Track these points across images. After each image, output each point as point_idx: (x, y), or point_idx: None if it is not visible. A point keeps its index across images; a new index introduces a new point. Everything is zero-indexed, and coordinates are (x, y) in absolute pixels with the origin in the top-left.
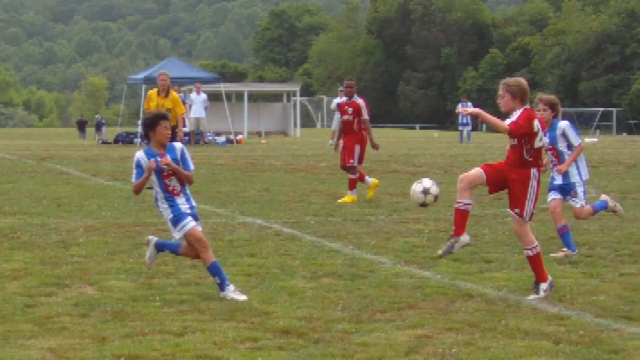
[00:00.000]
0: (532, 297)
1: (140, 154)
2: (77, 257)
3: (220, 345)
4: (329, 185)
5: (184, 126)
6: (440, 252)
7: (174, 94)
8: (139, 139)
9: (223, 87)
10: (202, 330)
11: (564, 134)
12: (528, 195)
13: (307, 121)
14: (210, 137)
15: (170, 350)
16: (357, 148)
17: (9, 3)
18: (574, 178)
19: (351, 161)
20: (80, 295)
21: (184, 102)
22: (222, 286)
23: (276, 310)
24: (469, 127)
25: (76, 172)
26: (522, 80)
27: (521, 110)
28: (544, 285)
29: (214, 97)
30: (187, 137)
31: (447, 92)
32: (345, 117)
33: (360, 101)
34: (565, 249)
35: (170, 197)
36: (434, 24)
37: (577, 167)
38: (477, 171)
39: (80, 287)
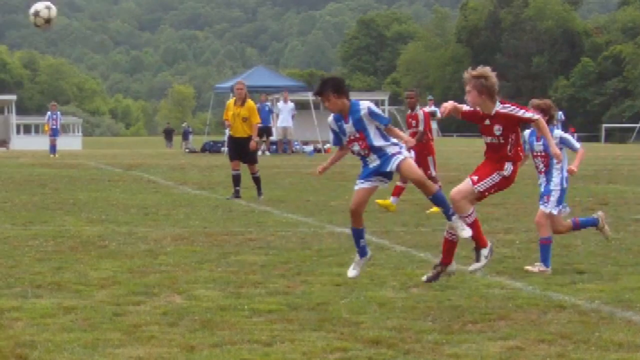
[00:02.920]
0: (473, 266)
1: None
2: (165, 266)
3: (309, 355)
4: (418, 195)
5: (264, 135)
6: (425, 278)
7: (250, 102)
8: (226, 148)
9: (311, 96)
10: (290, 340)
11: (562, 142)
12: (492, 176)
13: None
14: (297, 146)
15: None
16: (430, 159)
17: (96, 11)
18: (555, 185)
19: (429, 172)
20: (169, 304)
21: (270, 112)
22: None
23: (366, 321)
24: None
25: (163, 181)
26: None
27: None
28: (484, 251)
29: (301, 106)
30: (274, 146)
31: None
32: (411, 129)
33: (420, 113)
34: (538, 264)
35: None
36: (524, 32)
37: (562, 174)
38: (466, 184)
39: (169, 296)
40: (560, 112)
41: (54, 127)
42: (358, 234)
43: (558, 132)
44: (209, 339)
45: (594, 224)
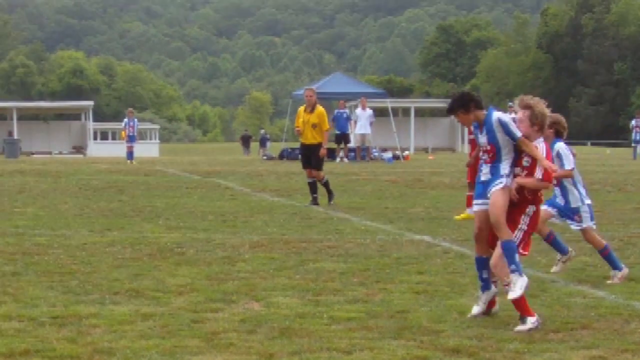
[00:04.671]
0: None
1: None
2: (243, 273)
3: None
4: None
5: (341, 142)
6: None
7: (319, 109)
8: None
9: (389, 103)
10: (370, 348)
11: (558, 155)
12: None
13: None
14: (376, 153)
15: None
16: None
17: (173, 18)
18: (576, 203)
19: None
20: (247, 312)
21: (348, 119)
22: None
23: (446, 329)
24: None
25: (241, 188)
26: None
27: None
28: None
29: (379, 113)
30: (352, 153)
31: (619, 108)
32: (471, 135)
33: None
34: (613, 273)
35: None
36: (606, 38)
37: (578, 191)
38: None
39: (247, 303)
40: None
41: (131, 133)
42: (480, 264)
43: (559, 144)
44: (288, 347)
45: (563, 251)
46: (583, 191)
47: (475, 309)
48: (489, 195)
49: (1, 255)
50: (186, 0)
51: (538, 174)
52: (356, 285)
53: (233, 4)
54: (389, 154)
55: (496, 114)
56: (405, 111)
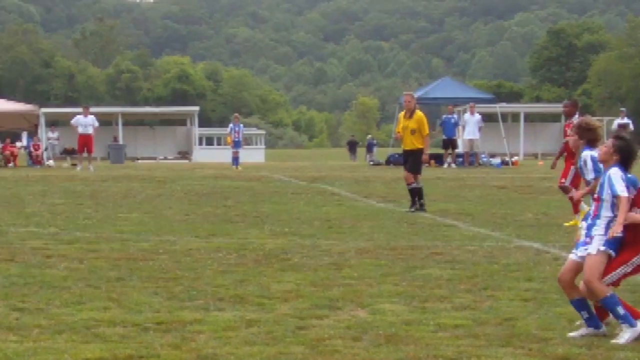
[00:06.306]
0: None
1: None
2: (348, 279)
3: None
4: None
5: (449, 147)
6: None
7: (418, 114)
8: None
9: (498, 108)
10: (477, 355)
11: (585, 164)
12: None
13: None
14: (484, 159)
15: None
16: (572, 169)
17: (280, 23)
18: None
19: (562, 181)
20: (352, 318)
21: (456, 124)
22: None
23: (555, 337)
24: None
25: (347, 194)
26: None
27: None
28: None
29: (488, 118)
30: (460, 159)
31: None
32: (566, 138)
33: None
34: None
35: None
36: None
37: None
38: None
39: (353, 310)
40: None
41: (237, 139)
42: (578, 305)
43: (585, 153)
44: (394, 354)
45: None
46: None
47: (583, 331)
48: (586, 251)
49: (106, 260)
50: (293, 5)
51: None
52: (463, 292)
53: (340, 8)
54: (497, 160)
55: (585, 153)
56: (515, 116)
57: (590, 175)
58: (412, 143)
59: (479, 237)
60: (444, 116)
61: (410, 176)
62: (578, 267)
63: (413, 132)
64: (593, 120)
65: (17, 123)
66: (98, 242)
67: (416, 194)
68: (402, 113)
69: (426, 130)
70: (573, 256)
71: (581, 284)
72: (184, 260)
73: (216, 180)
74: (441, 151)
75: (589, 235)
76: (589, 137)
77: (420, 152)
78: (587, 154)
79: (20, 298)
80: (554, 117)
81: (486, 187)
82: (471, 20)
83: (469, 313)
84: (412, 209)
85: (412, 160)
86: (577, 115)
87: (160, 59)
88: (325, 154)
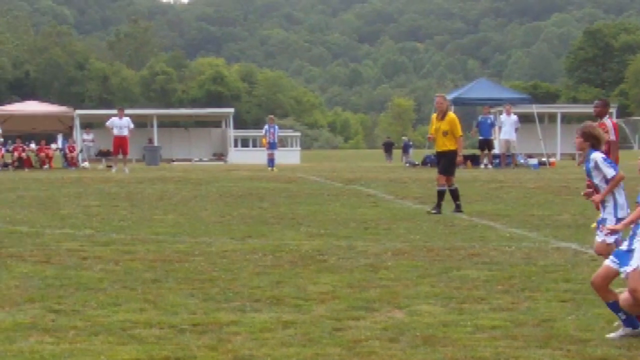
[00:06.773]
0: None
1: None
2: (385, 281)
3: None
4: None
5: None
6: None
7: (451, 115)
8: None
9: (535, 108)
10: (515, 357)
11: (596, 167)
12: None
13: (623, 142)
14: (521, 160)
15: None
16: None
17: (315, 24)
18: (608, 215)
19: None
20: (389, 320)
21: (493, 125)
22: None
23: (594, 338)
24: None
25: (383, 195)
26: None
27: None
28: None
29: (525, 119)
30: (497, 160)
31: None
32: None
33: (607, 122)
34: None
35: None
36: None
37: (614, 201)
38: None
39: (389, 311)
40: None
41: (272, 140)
42: (614, 307)
43: (595, 154)
44: (431, 355)
45: None
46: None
47: (622, 332)
48: (624, 270)
49: (142, 262)
50: (327, 7)
51: None
52: (501, 293)
53: (375, 9)
54: (534, 161)
55: (594, 155)
56: (552, 117)
57: (597, 179)
58: (444, 144)
59: (516, 238)
60: (480, 117)
61: (442, 177)
62: (612, 274)
63: (445, 133)
64: (596, 127)
65: (52, 125)
66: (134, 244)
67: (443, 196)
68: (435, 114)
69: (459, 131)
70: (609, 262)
71: (625, 294)
72: (219, 261)
73: (251, 182)
74: (477, 152)
75: (630, 248)
76: (593, 141)
77: (452, 153)
78: (596, 156)
79: (56, 300)
80: (590, 118)
81: (523, 188)
82: (507, 21)
83: (506, 314)
84: (434, 210)
85: (444, 162)
86: (607, 117)
87: (194, 61)
88: (360, 156)
